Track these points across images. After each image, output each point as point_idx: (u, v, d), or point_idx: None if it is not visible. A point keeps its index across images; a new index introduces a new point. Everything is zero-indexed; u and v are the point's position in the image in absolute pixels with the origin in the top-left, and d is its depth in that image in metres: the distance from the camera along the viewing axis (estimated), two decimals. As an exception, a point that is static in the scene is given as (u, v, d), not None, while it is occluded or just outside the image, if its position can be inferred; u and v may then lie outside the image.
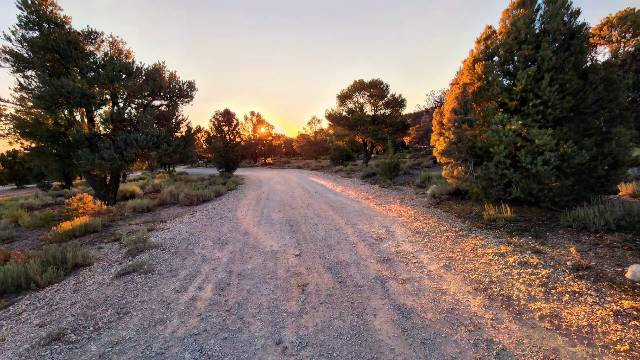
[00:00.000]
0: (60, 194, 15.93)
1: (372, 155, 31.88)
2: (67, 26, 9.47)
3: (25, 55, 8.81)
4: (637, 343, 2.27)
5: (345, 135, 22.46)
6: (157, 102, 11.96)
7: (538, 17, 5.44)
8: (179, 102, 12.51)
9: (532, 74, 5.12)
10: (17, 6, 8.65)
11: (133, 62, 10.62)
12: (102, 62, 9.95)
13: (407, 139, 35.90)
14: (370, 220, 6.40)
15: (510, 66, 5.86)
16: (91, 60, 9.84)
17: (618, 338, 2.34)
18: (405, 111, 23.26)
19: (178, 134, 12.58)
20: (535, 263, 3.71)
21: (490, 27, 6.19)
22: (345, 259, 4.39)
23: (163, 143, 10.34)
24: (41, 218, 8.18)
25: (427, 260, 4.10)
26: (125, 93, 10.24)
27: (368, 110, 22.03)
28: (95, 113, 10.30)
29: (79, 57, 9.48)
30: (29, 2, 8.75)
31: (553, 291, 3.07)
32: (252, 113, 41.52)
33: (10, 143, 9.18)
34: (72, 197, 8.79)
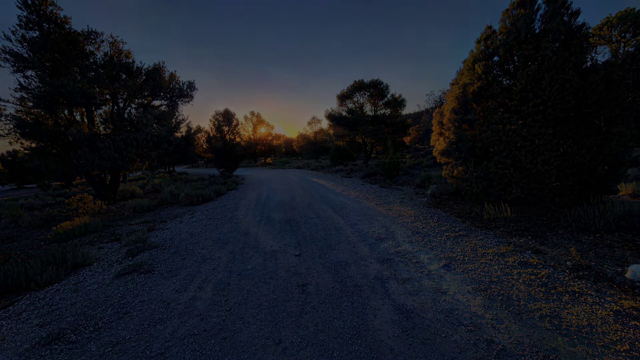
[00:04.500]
0: (60, 194, 15.92)
1: (372, 155, 31.86)
2: (67, 26, 9.48)
3: (25, 55, 8.80)
4: (637, 343, 2.27)
5: (345, 135, 22.46)
6: (157, 102, 11.96)
7: (538, 17, 5.44)
8: (179, 102, 12.53)
9: (532, 73, 5.12)
10: (17, 6, 8.66)
11: (133, 62, 10.62)
12: (102, 62, 9.95)
13: (407, 139, 35.91)
14: (370, 220, 6.40)
15: (510, 66, 5.86)
16: (91, 60, 9.85)
17: (618, 338, 2.34)
18: (405, 111, 23.29)
19: (178, 134, 12.59)
20: (535, 263, 3.71)
21: (490, 27, 6.19)
22: (345, 259, 4.39)
23: (163, 143, 10.34)
24: (41, 218, 8.18)
25: (427, 260, 4.10)
26: (125, 93, 10.24)
27: (368, 110, 22.04)
28: (95, 113, 10.29)
29: (79, 57, 9.48)
30: (29, 2, 8.76)
31: (553, 291, 3.07)
32: (252, 113, 41.54)
33: (10, 143, 9.18)
34: (72, 197, 8.79)
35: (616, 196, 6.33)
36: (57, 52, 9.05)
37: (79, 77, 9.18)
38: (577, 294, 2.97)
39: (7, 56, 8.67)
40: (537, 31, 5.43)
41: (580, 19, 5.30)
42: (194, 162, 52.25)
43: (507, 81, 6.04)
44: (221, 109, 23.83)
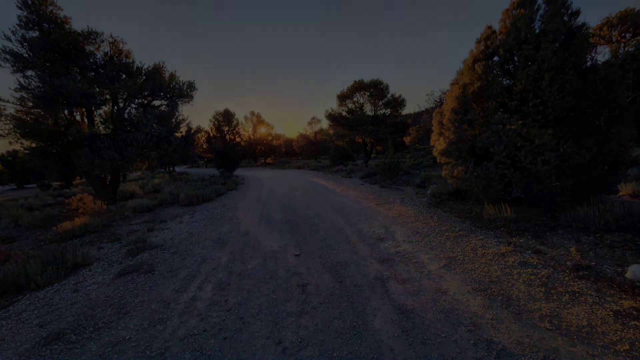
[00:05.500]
0: (60, 194, 15.91)
1: (372, 155, 31.85)
2: (67, 26, 9.47)
3: (25, 55, 8.80)
4: (637, 343, 2.27)
5: (345, 135, 22.45)
6: (157, 102, 11.95)
7: (538, 17, 5.43)
8: (179, 102, 12.52)
9: (532, 74, 5.12)
10: (17, 6, 8.65)
11: (133, 62, 10.62)
12: (102, 62, 9.95)
13: (407, 139, 35.91)
14: (370, 220, 6.40)
15: (510, 66, 5.86)
16: (91, 60, 9.84)
17: (618, 338, 2.34)
18: (405, 111, 23.26)
19: (178, 134, 12.58)
20: (535, 263, 3.71)
21: (490, 28, 6.19)
22: (345, 259, 4.39)
23: (163, 143, 10.34)
24: (41, 218, 8.17)
25: (427, 260, 4.10)
26: (125, 93, 10.23)
27: (368, 110, 22.01)
28: (95, 113, 10.30)
29: (79, 57, 9.48)
30: (29, 2, 8.75)
31: (553, 291, 3.07)
32: (252, 113, 41.57)
33: (10, 143, 9.17)
34: (72, 197, 8.80)
35: (616, 196, 6.33)
36: (57, 52, 9.04)
37: (79, 77, 9.19)
38: (577, 294, 2.97)
39: (7, 56, 8.66)
40: (537, 31, 5.42)
41: (580, 19, 5.30)
42: (194, 162, 52.25)
43: (507, 81, 6.04)
44: (221, 109, 23.78)
